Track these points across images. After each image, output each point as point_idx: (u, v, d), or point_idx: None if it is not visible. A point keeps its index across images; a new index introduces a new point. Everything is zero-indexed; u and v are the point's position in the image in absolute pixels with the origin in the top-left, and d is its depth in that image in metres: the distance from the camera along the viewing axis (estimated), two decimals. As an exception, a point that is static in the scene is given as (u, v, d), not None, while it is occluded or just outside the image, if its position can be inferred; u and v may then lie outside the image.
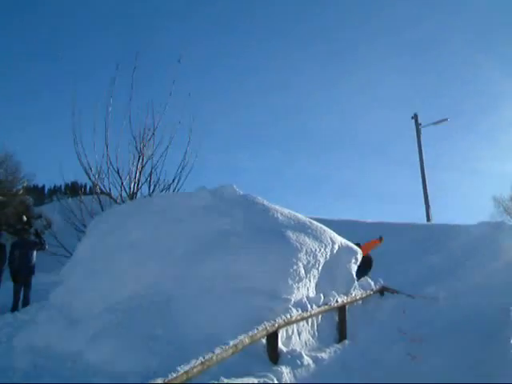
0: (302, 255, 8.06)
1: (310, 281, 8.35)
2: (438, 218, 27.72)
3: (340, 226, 12.08)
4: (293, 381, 6.67)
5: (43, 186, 66.38)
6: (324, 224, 9.77)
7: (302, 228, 8.86)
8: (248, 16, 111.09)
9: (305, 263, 8.06)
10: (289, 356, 7.08)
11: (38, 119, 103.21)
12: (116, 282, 8.06)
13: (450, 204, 79.84)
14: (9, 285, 14.01)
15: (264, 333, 6.73)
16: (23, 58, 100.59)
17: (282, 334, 7.36)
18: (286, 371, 6.64)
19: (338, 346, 8.28)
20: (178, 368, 4.91)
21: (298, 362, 7.02)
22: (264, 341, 7.01)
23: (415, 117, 30.19)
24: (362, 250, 10.64)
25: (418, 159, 29.74)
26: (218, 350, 5.64)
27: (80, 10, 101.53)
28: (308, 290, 8.31)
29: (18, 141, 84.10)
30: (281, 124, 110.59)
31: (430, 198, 28.86)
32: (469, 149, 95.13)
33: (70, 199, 19.23)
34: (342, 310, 8.93)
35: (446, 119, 29.73)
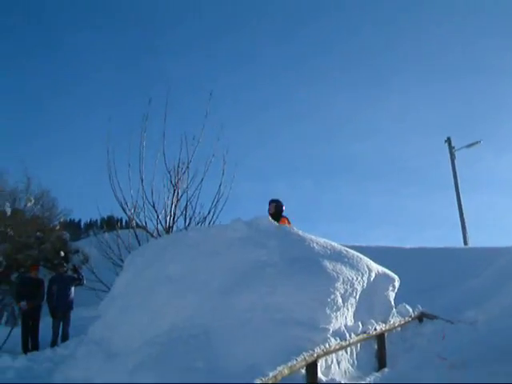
0: (339, 284, 8.03)
1: (347, 309, 8.32)
2: (477, 240, 27.54)
3: (378, 253, 12.03)
4: (333, 410, 6.65)
5: (79, 221, 67.29)
6: (361, 251, 9.74)
7: (339, 257, 8.84)
8: (278, 44, 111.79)
9: (342, 292, 8.03)
10: (328, 386, 7.07)
11: (73, 155, 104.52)
12: (154, 315, 8.09)
13: (489, 226, 79.00)
14: (48, 320, 14.17)
15: (303, 363, 6.72)
16: (55, 94, 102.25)
17: (321, 364, 7.34)
18: (326, 401, 6.63)
19: (378, 374, 8.23)
20: (219, 400, 4.93)
21: (338, 392, 7.00)
22: (303, 371, 6.99)
23: (448, 140, 30.23)
24: None
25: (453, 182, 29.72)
26: (257, 382, 5.65)
27: (110, 45, 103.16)
28: (346, 318, 8.27)
29: (54, 177, 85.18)
30: (315, 152, 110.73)
31: (467, 221, 28.73)
32: (506, 169, 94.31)
33: (106, 234, 19.38)
34: (380, 337, 8.87)
35: (479, 141, 29.66)
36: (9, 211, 32.05)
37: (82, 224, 69.70)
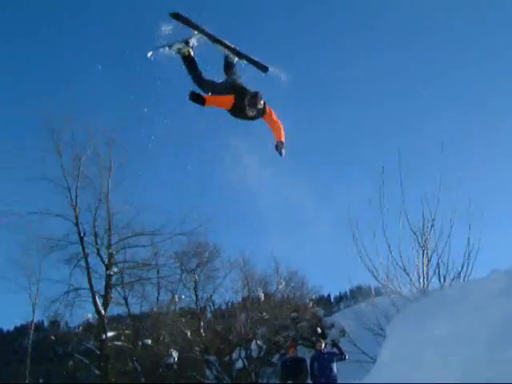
0: None
1: None
2: None
3: None
4: None
5: (329, 295, 67.98)
6: None
7: None
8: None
9: None
10: None
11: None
12: (424, 379, 8.04)
13: None
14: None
15: None
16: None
17: None
18: None
19: None
20: None
21: None
22: None
23: None
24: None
25: None
26: None
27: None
28: None
29: (300, 256, 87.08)
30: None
31: None
32: None
33: (362, 304, 19.68)
34: None
35: None
36: (262, 296, 33.78)
37: (332, 297, 70.38)
